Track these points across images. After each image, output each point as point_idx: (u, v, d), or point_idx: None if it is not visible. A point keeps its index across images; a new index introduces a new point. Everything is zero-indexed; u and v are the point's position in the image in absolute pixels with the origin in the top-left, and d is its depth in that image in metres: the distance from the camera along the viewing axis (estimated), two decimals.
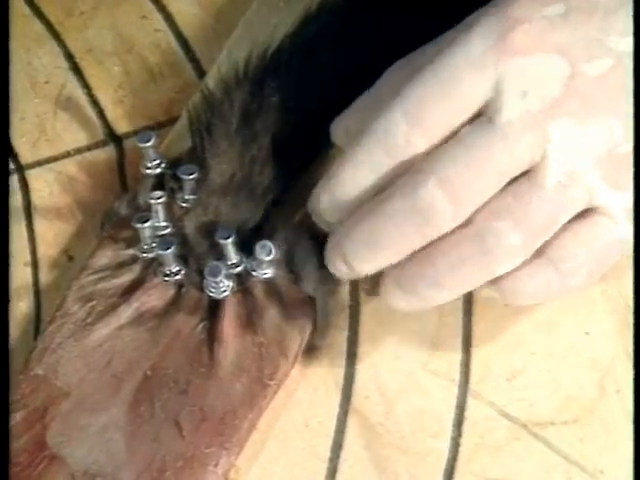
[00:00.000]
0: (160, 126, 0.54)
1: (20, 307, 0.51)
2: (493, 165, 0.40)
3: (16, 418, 0.45)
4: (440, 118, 0.41)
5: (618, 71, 0.40)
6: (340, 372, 0.47)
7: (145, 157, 0.50)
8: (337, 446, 0.46)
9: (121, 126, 0.55)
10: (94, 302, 0.48)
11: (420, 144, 0.41)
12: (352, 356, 0.48)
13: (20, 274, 0.52)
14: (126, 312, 0.47)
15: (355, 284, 0.49)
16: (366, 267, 0.43)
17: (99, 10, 0.59)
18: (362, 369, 0.47)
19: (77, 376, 0.46)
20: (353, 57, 0.50)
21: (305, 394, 0.47)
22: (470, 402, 0.46)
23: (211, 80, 0.52)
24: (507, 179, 0.40)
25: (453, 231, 0.41)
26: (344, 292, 0.49)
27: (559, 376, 0.46)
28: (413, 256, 0.42)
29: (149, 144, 0.49)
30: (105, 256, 0.49)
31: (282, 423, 0.46)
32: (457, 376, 0.47)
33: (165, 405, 0.45)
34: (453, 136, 0.41)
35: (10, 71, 0.57)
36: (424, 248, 0.42)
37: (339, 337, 0.48)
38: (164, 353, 0.46)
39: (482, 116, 0.41)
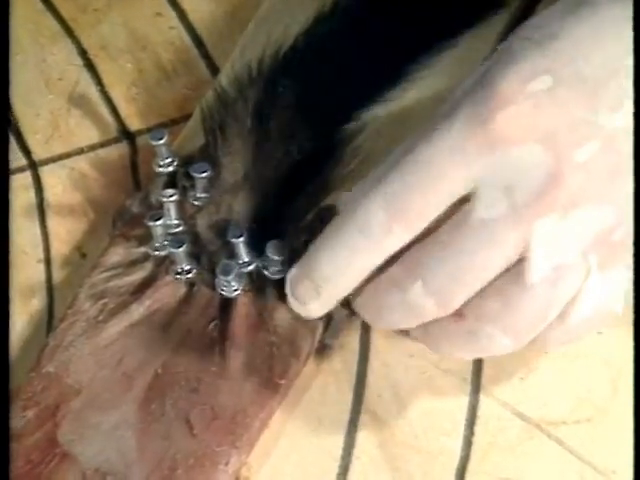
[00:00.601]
0: (173, 123, 0.54)
1: (33, 304, 0.51)
2: (479, 266, 0.39)
3: (28, 416, 0.45)
4: (420, 209, 0.39)
5: (609, 153, 0.38)
6: (353, 370, 0.47)
7: (157, 155, 0.50)
8: (349, 444, 0.46)
9: (134, 123, 0.55)
10: (106, 300, 0.48)
11: (403, 236, 0.40)
12: (365, 354, 0.47)
13: (33, 271, 0.52)
14: (138, 310, 0.47)
15: None
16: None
17: (113, 7, 0.59)
18: (375, 367, 0.47)
19: (88, 374, 0.46)
20: (367, 55, 0.50)
21: (317, 392, 0.47)
22: (483, 401, 0.46)
23: (224, 78, 0.52)
24: (494, 275, 0.39)
25: (447, 320, 0.41)
26: None
27: (572, 376, 0.46)
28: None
29: (161, 142, 0.49)
30: (117, 254, 0.49)
31: (294, 421, 0.46)
32: (470, 375, 0.47)
33: (176, 403, 0.45)
34: (436, 227, 0.40)
35: (24, 68, 0.57)
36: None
37: (352, 336, 0.48)
38: (175, 351, 0.46)
39: (466, 210, 0.39)
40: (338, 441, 0.46)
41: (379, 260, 0.41)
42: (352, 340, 0.48)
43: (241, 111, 0.49)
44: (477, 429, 0.46)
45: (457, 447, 0.45)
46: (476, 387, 0.46)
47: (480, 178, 0.38)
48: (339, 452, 0.46)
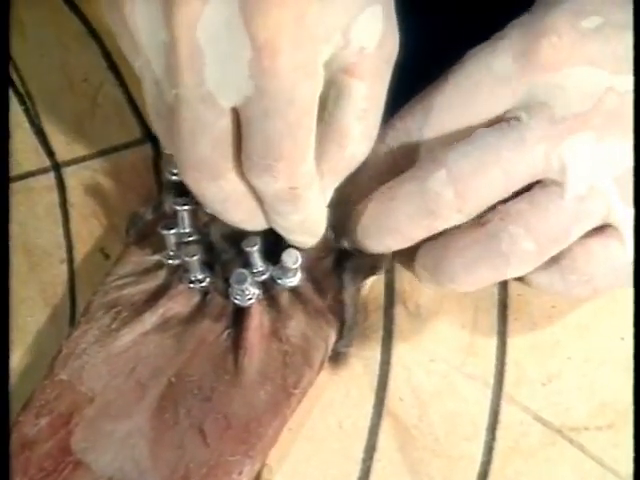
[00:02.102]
0: None
1: (55, 304, 0.51)
2: (505, 166, 0.40)
3: (41, 423, 0.45)
4: (458, 124, 0.41)
5: None
6: (374, 374, 0.47)
7: (170, 164, 0.50)
8: (371, 448, 0.46)
9: None
10: (119, 308, 0.48)
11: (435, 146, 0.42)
12: (386, 358, 0.48)
13: (56, 271, 0.52)
14: (151, 318, 0.47)
15: (390, 286, 0.49)
16: (375, 247, 0.45)
17: None
18: (396, 371, 0.47)
19: (102, 382, 0.46)
20: None
21: (338, 395, 0.47)
22: (504, 406, 0.46)
23: None
24: (519, 184, 0.41)
25: (469, 229, 0.41)
26: (379, 293, 0.49)
27: (594, 381, 0.46)
28: (433, 246, 0.43)
29: None
30: (130, 262, 0.49)
31: (315, 423, 0.47)
32: (491, 380, 0.47)
33: (189, 412, 0.45)
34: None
35: (48, 69, 0.58)
36: (442, 240, 0.42)
37: (373, 339, 0.48)
38: (189, 360, 0.46)
39: (501, 122, 0.41)
40: (359, 444, 0.46)
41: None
42: (374, 343, 0.48)
43: None
44: (498, 434, 0.45)
45: (478, 452, 0.45)
46: (498, 392, 0.46)
47: (520, 99, 0.40)
48: (360, 455, 0.46)
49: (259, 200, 0.43)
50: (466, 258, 0.42)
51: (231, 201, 0.43)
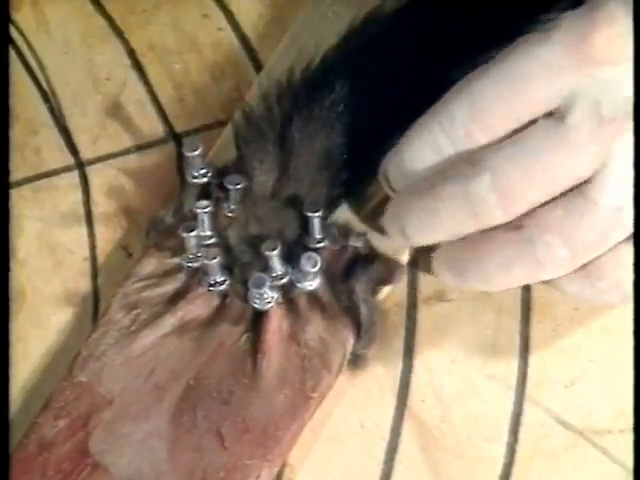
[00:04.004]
0: (220, 125, 0.54)
1: (78, 303, 0.51)
2: (551, 171, 0.39)
3: (59, 425, 0.45)
4: (505, 117, 0.40)
5: None
6: (396, 375, 0.47)
7: (191, 166, 0.50)
8: (392, 448, 0.46)
9: (181, 124, 0.56)
10: (138, 310, 0.48)
11: (481, 138, 0.41)
12: (408, 359, 0.48)
13: (79, 269, 0.52)
14: (170, 321, 0.47)
15: (412, 286, 0.49)
16: (421, 240, 0.44)
17: (161, 8, 0.59)
18: (418, 372, 0.47)
19: (120, 384, 0.46)
20: (399, 70, 0.50)
21: (360, 395, 0.47)
22: (526, 408, 0.46)
23: (254, 93, 0.52)
24: (564, 187, 0.40)
25: (504, 231, 0.41)
26: (401, 293, 0.49)
27: (617, 384, 0.46)
28: (465, 243, 0.43)
29: (196, 153, 0.49)
30: (150, 264, 0.49)
31: (337, 423, 0.47)
32: (514, 382, 0.47)
33: (207, 415, 0.45)
34: (516, 133, 0.40)
35: (72, 67, 0.58)
36: (476, 237, 0.42)
37: (395, 340, 0.48)
38: (207, 363, 0.46)
39: (548, 119, 0.39)
40: (381, 444, 0.46)
41: (461, 156, 0.41)
42: (396, 344, 0.48)
43: (268, 127, 0.49)
44: (521, 436, 0.45)
45: (500, 454, 0.45)
46: (520, 394, 0.46)
47: (570, 93, 0.39)
48: (382, 456, 0.46)
49: None
50: (500, 259, 0.41)
51: None
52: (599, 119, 0.38)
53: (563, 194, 0.40)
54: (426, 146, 0.42)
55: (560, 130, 0.39)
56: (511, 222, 0.41)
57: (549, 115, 0.39)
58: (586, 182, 0.39)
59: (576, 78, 0.39)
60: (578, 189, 0.40)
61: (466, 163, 0.41)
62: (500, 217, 0.40)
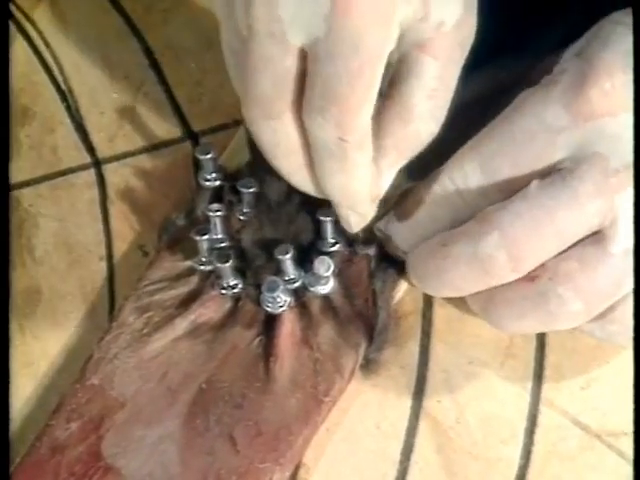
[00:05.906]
0: (236, 124, 0.54)
1: (94, 301, 0.51)
2: (559, 226, 0.39)
3: (71, 428, 0.45)
4: (511, 174, 0.40)
5: None
6: (412, 375, 0.47)
7: (204, 169, 0.50)
8: (408, 449, 0.46)
9: (198, 123, 0.56)
10: (151, 313, 0.48)
11: (493, 196, 0.41)
12: (424, 360, 0.47)
13: (95, 268, 0.52)
14: (182, 324, 0.47)
15: None
16: (439, 295, 0.45)
17: (178, 7, 0.59)
18: (434, 373, 0.47)
19: (133, 387, 0.46)
20: None
21: (375, 396, 0.47)
22: (543, 410, 0.46)
23: None
24: (572, 241, 0.40)
25: (517, 282, 0.41)
26: (417, 295, 0.49)
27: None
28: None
29: (209, 156, 0.49)
30: (163, 267, 0.49)
31: (352, 424, 0.47)
32: (530, 383, 0.47)
33: (220, 419, 0.45)
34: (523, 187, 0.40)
35: (89, 66, 0.58)
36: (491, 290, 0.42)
37: (411, 341, 0.48)
38: (220, 366, 0.46)
39: (554, 173, 0.39)
40: (396, 445, 0.46)
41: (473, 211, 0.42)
42: (412, 345, 0.48)
43: None
44: (537, 438, 0.45)
45: (516, 455, 0.45)
46: (536, 395, 0.46)
47: (572, 148, 0.39)
48: (397, 456, 0.46)
49: (309, 155, 0.43)
50: (513, 310, 0.41)
51: (283, 147, 0.42)
52: (603, 172, 0.38)
53: (575, 244, 0.40)
54: (439, 206, 0.43)
55: (566, 185, 0.39)
56: (525, 274, 0.41)
57: (557, 170, 0.40)
58: (597, 232, 0.39)
59: (579, 132, 0.39)
60: (590, 239, 0.39)
61: (475, 221, 0.41)
62: (511, 274, 0.40)
